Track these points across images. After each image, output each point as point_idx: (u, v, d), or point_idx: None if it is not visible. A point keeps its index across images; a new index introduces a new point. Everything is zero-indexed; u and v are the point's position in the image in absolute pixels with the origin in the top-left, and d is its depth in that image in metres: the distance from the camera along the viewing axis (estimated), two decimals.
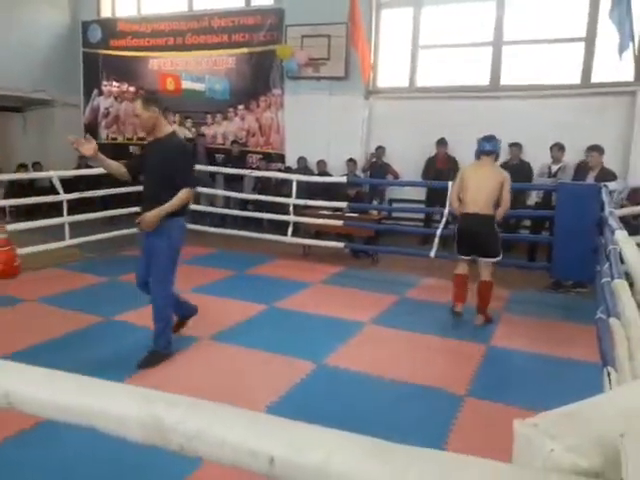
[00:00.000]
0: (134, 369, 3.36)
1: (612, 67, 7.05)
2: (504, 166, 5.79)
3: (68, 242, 6.14)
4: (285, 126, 9.23)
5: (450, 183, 5.79)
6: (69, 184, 6.80)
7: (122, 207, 7.11)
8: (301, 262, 6.66)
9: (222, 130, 9.79)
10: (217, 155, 9.44)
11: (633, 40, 6.56)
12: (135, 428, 0.71)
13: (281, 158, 9.26)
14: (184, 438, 0.67)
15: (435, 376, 3.46)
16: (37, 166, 9.47)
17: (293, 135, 9.11)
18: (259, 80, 9.33)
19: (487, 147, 4.38)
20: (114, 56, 10.61)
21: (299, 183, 6.97)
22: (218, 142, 9.79)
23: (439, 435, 2.74)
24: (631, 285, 2.49)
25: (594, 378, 2.44)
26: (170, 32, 9.98)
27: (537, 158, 7.02)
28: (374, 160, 8.34)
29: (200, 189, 7.81)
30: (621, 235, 2.95)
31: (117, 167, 3.60)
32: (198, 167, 7.86)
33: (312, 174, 8.27)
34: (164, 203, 3.37)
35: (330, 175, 8.12)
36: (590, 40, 7.40)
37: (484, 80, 8.08)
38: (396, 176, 8.20)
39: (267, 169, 8.82)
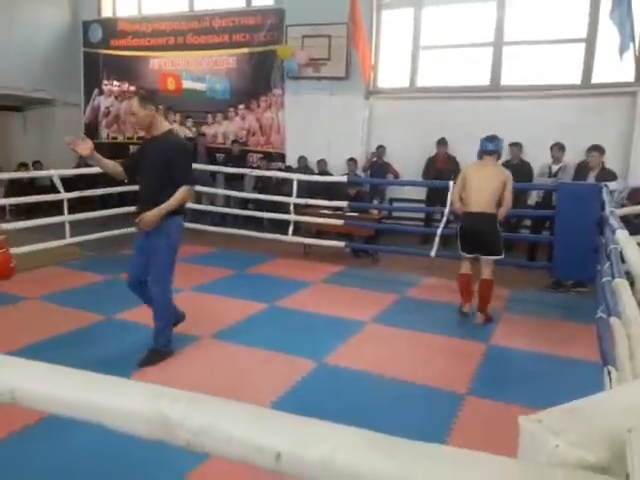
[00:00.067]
0: (135, 367, 3.37)
1: (612, 68, 7.05)
2: (505, 166, 5.80)
3: (68, 240, 6.15)
4: (286, 126, 9.23)
5: (451, 183, 5.81)
6: (69, 183, 6.80)
7: (122, 206, 7.11)
8: (302, 261, 6.66)
9: (223, 130, 9.79)
10: (218, 154, 9.44)
11: (634, 41, 6.56)
12: (141, 424, 0.71)
13: (282, 157, 9.27)
14: (190, 433, 0.67)
15: (436, 375, 3.47)
16: (37, 165, 9.48)
17: (294, 135, 9.11)
18: (260, 80, 9.34)
19: (490, 147, 4.40)
20: (115, 56, 10.61)
21: (300, 182, 6.97)
22: (219, 141, 9.79)
23: (440, 433, 2.74)
24: (632, 284, 2.49)
25: (594, 377, 2.44)
26: (171, 32, 9.99)
27: (537, 158, 7.02)
28: (374, 160, 8.34)
29: (201, 188, 7.82)
30: (622, 234, 2.96)
31: (113, 166, 3.57)
32: (199, 166, 7.88)
33: (312, 173, 8.27)
34: (162, 202, 3.34)
35: (330, 174, 8.13)
36: (591, 40, 7.40)
37: (484, 80, 8.08)
38: (396, 176, 8.21)
39: (268, 168, 8.82)
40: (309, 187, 7.64)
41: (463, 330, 4.38)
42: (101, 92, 10.92)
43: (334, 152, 8.52)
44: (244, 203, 8.57)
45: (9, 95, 9.63)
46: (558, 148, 6.54)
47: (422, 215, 8.01)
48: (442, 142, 7.83)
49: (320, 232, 7.18)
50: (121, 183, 5.12)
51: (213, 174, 8.74)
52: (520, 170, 6.70)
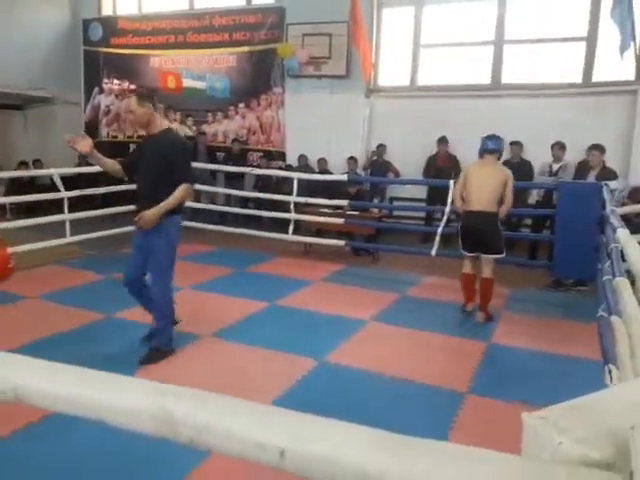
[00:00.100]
0: (136, 366, 3.37)
1: (613, 66, 7.05)
2: (505, 164, 5.80)
3: (69, 239, 6.15)
4: (286, 124, 9.23)
5: (451, 182, 5.81)
6: (70, 181, 6.81)
7: (122, 204, 7.10)
8: (302, 260, 6.66)
9: (223, 128, 9.79)
10: (218, 153, 9.44)
11: (634, 39, 6.56)
12: (145, 421, 0.71)
13: (282, 156, 9.27)
14: (194, 430, 0.67)
15: (436, 373, 3.47)
16: (37, 164, 9.48)
17: (294, 133, 9.11)
18: (260, 78, 9.33)
19: (490, 146, 4.42)
20: (115, 54, 10.61)
21: (300, 181, 6.97)
22: (219, 140, 9.79)
23: (441, 431, 2.74)
24: (632, 283, 2.49)
25: (594, 375, 2.45)
26: (171, 30, 9.98)
27: (538, 157, 7.03)
28: (375, 158, 8.34)
29: (201, 187, 7.82)
30: (623, 233, 2.96)
31: (112, 165, 3.57)
32: (199, 165, 7.88)
33: (313, 172, 8.27)
34: (161, 200, 3.33)
35: (331, 173, 8.13)
36: (591, 39, 7.40)
37: (485, 79, 8.08)
38: (397, 174, 8.21)
39: (268, 167, 8.82)
40: (309, 186, 7.64)
41: (463, 329, 4.38)
42: (101, 91, 10.92)
43: (334, 151, 8.51)
44: (244, 202, 8.57)
45: (9, 94, 9.63)
46: (559, 147, 6.54)
47: (423, 214, 8.01)
48: (443, 141, 7.83)
49: (320, 231, 7.18)
50: (121, 181, 5.11)
51: (213, 173, 8.74)
52: (520, 169, 6.70)
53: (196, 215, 7.90)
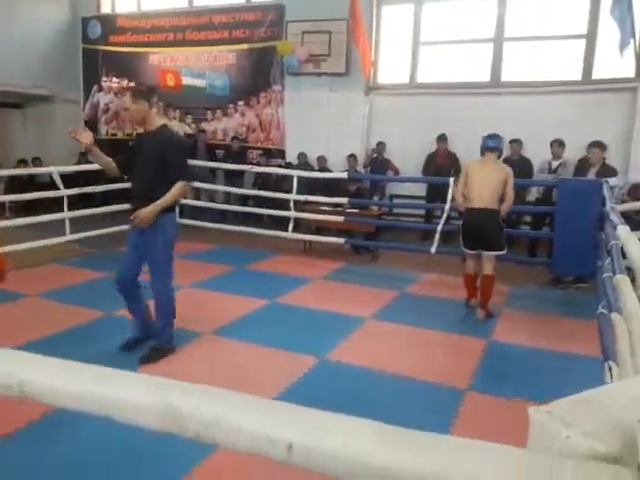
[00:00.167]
0: (136, 364, 3.37)
1: (613, 64, 7.05)
2: (505, 162, 5.80)
3: (68, 237, 6.14)
4: (285, 122, 9.22)
5: (451, 179, 5.82)
6: (69, 179, 6.80)
7: (122, 202, 7.09)
8: (302, 258, 6.66)
9: (222, 126, 9.77)
10: (217, 151, 9.43)
11: (634, 37, 6.56)
12: (151, 416, 0.71)
13: (281, 154, 9.26)
14: (201, 425, 0.67)
15: (437, 370, 3.48)
16: (37, 162, 9.47)
17: (293, 131, 9.10)
18: (259, 76, 9.31)
19: (491, 144, 4.46)
20: (114, 52, 10.58)
21: (300, 179, 6.97)
22: (218, 138, 9.77)
23: (441, 428, 2.74)
24: (633, 280, 2.50)
25: (594, 372, 2.45)
26: (170, 28, 9.95)
27: (537, 154, 7.02)
28: (375, 156, 8.34)
29: (200, 185, 7.81)
30: (623, 230, 2.96)
31: (109, 163, 3.56)
32: (199, 163, 7.87)
33: (312, 170, 8.26)
34: (157, 198, 3.30)
35: (330, 171, 8.12)
36: (591, 37, 7.40)
37: (485, 76, 8.08)
38: (396, 172, 8.21)
39: (267, 165, 8.82)
40: (309, 183, 7.64)
41: (464, 326, 4.39)
42: (100, 89, 10.89)
43: (334, 148, 8.51)
44: (244, 200, 8.57)
45: (9, 92, 9.61)
46: (558, 144, 6.54)
47: (422, 211, 8.01)
48: (442, 138, 7.83)
49: (320, 229, 7.18)
50: (121, 179, 5.09)
51: (213, 171, 8.73)
52: (520, 166, 6.70)
53: (201, 214, 7.90)
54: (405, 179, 8.04)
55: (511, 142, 7.09)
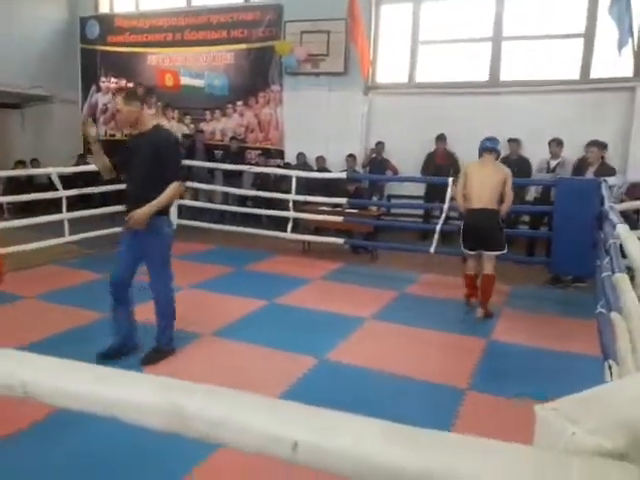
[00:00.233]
0: (136, 366, 3.36)
1: (611, 63, 7.06)
2: (503, 161, 5.81)
3: (67, 239, 6.13)
4: (284, 122, 9.22)
5: (450, 179, 5.82)
6: (67, 181, 6.79)
7: (121, 203, 7.09)
8: (301, 258, 6.66)
9: (221, 126, 9.77)
10: (216, 151, 9.42)
11: (632, 36, 6.58)
12: (156, 416, 0.71)
13: (280, 154, 9.25)
14: (207, 425, 0.67)
15: (436, 370, 3.48)
16: (35, 163, 9.44)
17: (292, 131, 9.10)
18: (258, 76, 9.31)
19: (488, 144, 4.51)
20: (112, 52, 10.57)
21: (298, 179, 6.97)
22: (217, 138, 9.77)
23: (442, 427, 2.69)
24: (632, 279, 2.50)
25: (594, 371, 2.46)
26: (168, 28, 9.95)
27: (536, 154, 7.04)
28: (373, 156, 8.34)
29: (199, 185, 7.81)
30: (623, 229, 2.96)
31: (107, 162, 3.55)
32: (197, 163, 7.87)
33: (311, 170, 8.26)
34: (152, 199, 3.28)
35: (329, 171, 8.13)
36: (589, 36, 7.41)
37: (483, 76, 8.09)
38: (395, 172, 8.21)
39: (266, 165, 8.82)
40: (308, 184, 7.64)
41: (463, 326, 4.39)
42: (98, 89, 10.88)
43: (333, 148, 8.51)
44: (243, 200, 8.56)
45: (7, 92, 9.59)
46: (556, 144, 6.54)
47: (421, 211, 8.01)
48: (441, 138, 7.83)
49: (319, 229, 7.18)
50: (120, 180, 5.08)
51: (211, 171, 8.72)
52: (519, 166, 6.71)
53: (199, 214, 7.89)
54: (404, 179, 8.05)
55: (509, 141, 7.10)
